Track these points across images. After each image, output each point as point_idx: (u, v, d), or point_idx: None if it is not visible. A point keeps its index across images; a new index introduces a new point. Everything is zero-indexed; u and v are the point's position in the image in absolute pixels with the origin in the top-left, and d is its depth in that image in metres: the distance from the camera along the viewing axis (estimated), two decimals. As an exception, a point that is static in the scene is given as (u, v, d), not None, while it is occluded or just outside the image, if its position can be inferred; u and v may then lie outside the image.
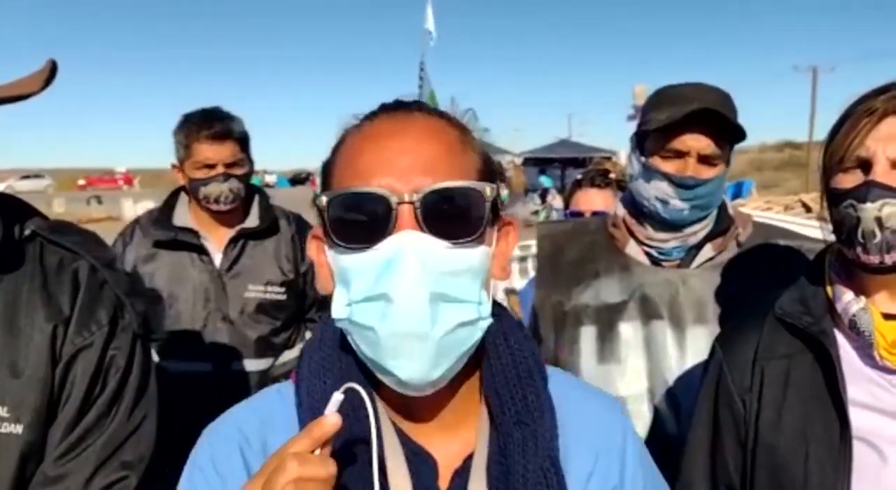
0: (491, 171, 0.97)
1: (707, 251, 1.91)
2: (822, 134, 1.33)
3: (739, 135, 1.81)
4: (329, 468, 0.79)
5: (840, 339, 1.29)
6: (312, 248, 0.99)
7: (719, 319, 1.83)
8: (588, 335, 1.91)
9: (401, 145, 0.90)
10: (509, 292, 3.26)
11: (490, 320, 0.93)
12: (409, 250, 0.85)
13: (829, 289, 1.32)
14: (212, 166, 2.65)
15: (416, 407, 0.95)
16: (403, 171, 0.88)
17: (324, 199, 0.90)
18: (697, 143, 1.77)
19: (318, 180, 1.02)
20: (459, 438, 0.98)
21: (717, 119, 1.75)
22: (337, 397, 0.84)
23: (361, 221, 0.88)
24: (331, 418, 0.81)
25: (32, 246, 1.36)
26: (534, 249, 2.53)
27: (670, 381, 1.84)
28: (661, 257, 1.93)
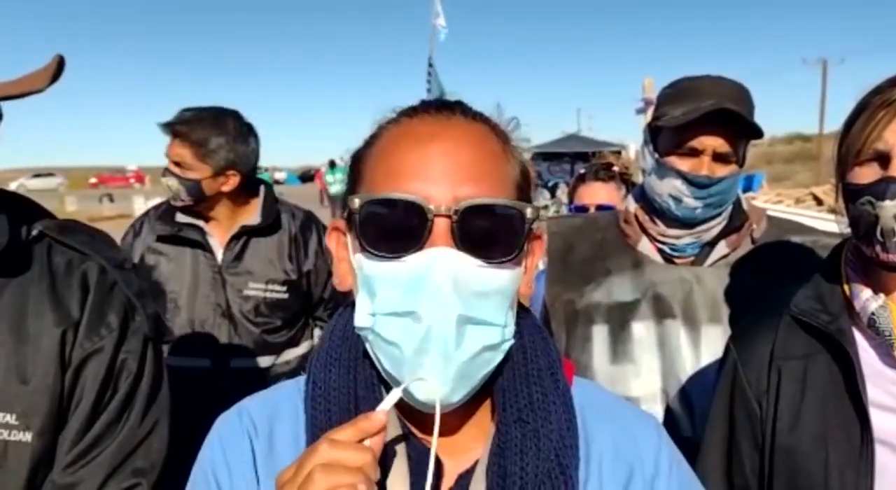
0: (528, 184, 0.94)
1: (721, 248, 1.89)
2: (832, 126, 1.31)
3: (756, 132, 1.78)
4: (363, 457, 0.77)
5: (858, 337, 1.26)
6: (332, 240, 0.97)
7: (733, 318, 1.81)
8: (600, 334, 1.89)
9: (440, 150, 0.87)
10: None
11: (512, 342, 0.91)
12: (442, 269, 0.82)
13: (845, 286, 1.29)
14: (168, 159, 2.68)
15: (427, 414, 0.91)
16: (442, 179, 0.85)
17: (356, 201, 0.87)
18: (713, 141, 1.75)
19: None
20: (472, 441, 0.95)
21: (733, 117, 1.72)
22: (394, 395, 0.83)
23: (393, 229, 0.85)
24: (379, 415, 0.80)
25: (40, 247, 1.34)
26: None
27: (684, 381, 1.82)
28: (675, 254, 1.91)
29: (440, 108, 0.93)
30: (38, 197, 1.48)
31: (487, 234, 0.85)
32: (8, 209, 1.30)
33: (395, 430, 0.93)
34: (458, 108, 0.93)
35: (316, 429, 0.91)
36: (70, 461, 1.27)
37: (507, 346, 0.90)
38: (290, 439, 0.96)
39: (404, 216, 0.84)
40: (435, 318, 0.82)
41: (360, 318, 0.89)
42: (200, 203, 2.71)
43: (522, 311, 0.99)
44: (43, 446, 1.25)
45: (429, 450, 0.91)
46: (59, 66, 1.22)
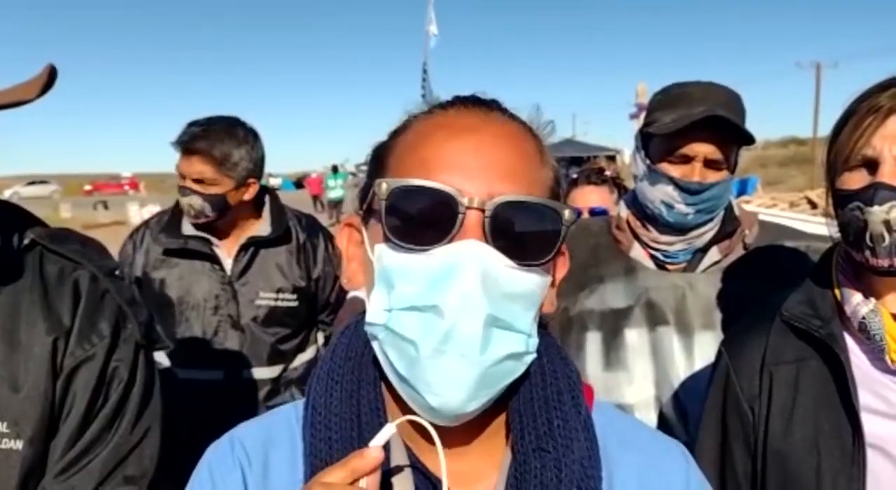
0: (560, 191, 0.90)
1: (714, 254, 1.89)
2: (826, 130, 1.31)
3: (747, 138, 1.79)
4: None
5: (850, 342, 1.26)
6: (343, 238, 0.92)
7: (726, 324, 1.81)
8: (594, 341, 1.89)
9: (478, 144, 0.82)
10: None
11: (534, 356, 0.85)
12: (472, 263, 0.77)
13: (836, 290, 1.29)
14: (184, 177, 2.65)
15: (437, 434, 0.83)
16: (477, 172, 0.80)
17: (384, 187, 0.80)
18: (704, 148, 1.75)
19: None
20: (485, 469, 0.88)
21: (724, 124, 1.73)
22: (388, 429, 0.78)
23: (422, 220, 0.79)
24: (373, 451, 0.75)
25: (32, 255, 1.34)
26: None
27: (678, 387, 1.82)
28: (667, 260, 1.91)
29: (478, 102, 0.89)
30: (33, 204, 1.47)
31: (521, 233, 0.80)
32: None
33: (400, 458, 0.86)
34: (495, 105, 0.89)
35: (315, 458, 0.85)
36: (61, 469, 1.27)
37: (529, 358, 0.84)
38: (286, 468, 0.90)
39: (435, 207, 0.79)
40: (460, 315, 0.76)
41: (373, 315, 0.83)
42: (223, 216, 2.69)
43: (542, 330, 0.94)
44: (34, 454, 1.24)
45: (437, 480, 0.85)
46: (50, 76, 1.21)
